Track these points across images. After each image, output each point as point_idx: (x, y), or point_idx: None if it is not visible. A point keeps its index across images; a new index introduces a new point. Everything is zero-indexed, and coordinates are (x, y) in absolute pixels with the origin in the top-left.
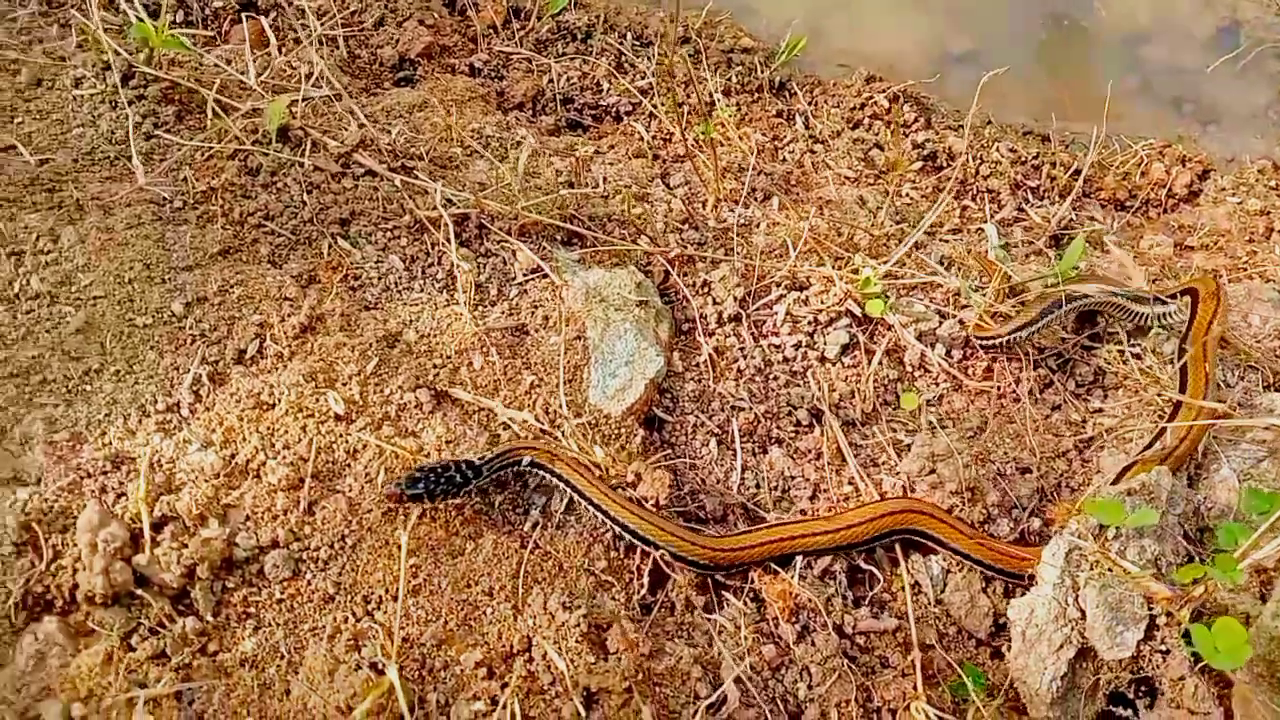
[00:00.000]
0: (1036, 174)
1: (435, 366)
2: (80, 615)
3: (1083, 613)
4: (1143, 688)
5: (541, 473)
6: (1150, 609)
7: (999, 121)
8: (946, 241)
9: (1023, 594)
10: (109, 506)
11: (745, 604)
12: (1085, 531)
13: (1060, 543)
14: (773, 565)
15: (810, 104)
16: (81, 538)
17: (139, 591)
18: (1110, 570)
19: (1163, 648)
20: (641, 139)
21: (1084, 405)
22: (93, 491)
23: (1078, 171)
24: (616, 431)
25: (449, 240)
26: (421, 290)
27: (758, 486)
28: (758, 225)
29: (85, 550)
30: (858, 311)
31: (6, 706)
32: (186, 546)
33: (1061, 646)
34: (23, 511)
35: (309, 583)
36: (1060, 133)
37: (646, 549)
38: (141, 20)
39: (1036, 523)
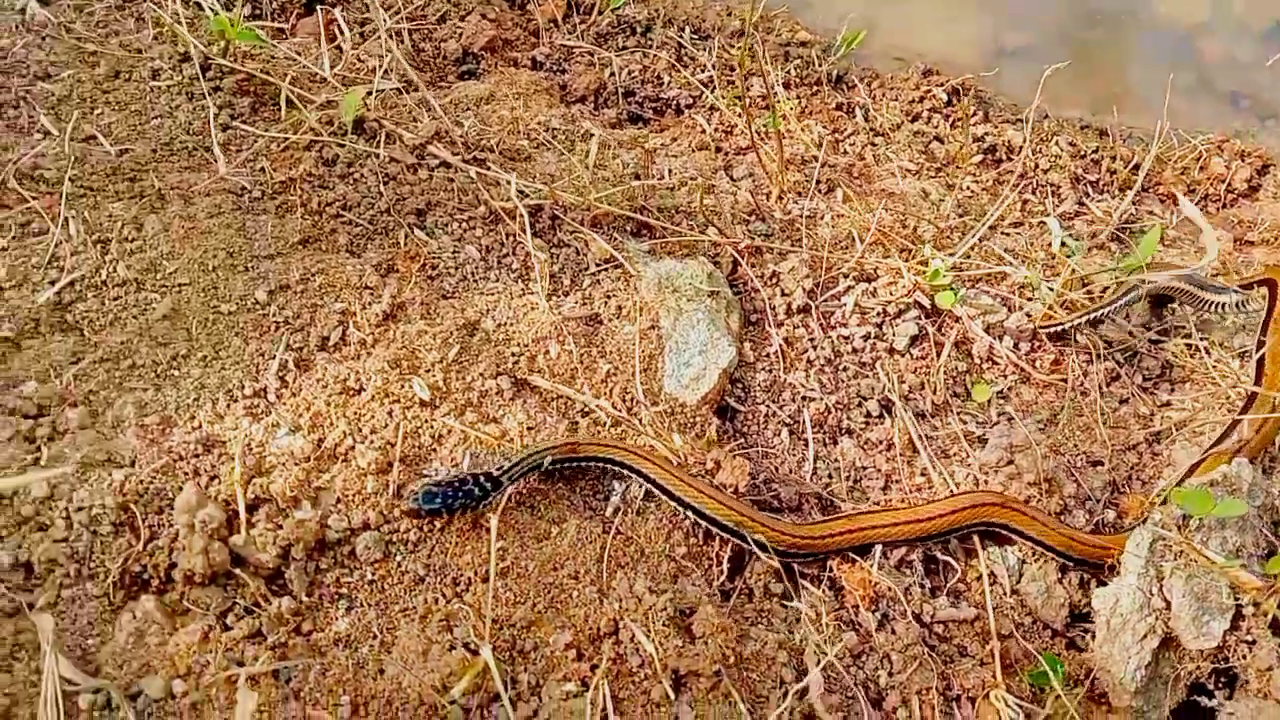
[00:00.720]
0: (1096, 168)
1: (513, 354)
2: (176, 595)
3: (1168, 603)
4: (1222, 678)
5: (571, 464)
6: (1237, 599)
7: (1055, 116)
8: (1008, 235)
9: (1102, 585)
10: (204, 488)
11: (824, 592)
12: (1169, 522)
13: (1144, 533)
14: (850, 554)
15: (869, 97)
16: (179, 518)
17: (235, 571)
18: (1195, 560)
19: (1249, 638)
20: (704, 132)
21: (1152, 399)
22: (186, 474)
23: (1137, 166)
24: (692, 420)
25: (524, 230)
26: (497, 280)
27: (830, 476)
28: (822, 217)
29: (183, 531)
30: (926, 303)
31: (110, 681)
32: (281, 528)
33: (1146, 636)
34: (120, 492)
35: (399, 564)
36: (1117, 127)
37: (717, 531)
38: (217, 13)
39: (1110, 514)
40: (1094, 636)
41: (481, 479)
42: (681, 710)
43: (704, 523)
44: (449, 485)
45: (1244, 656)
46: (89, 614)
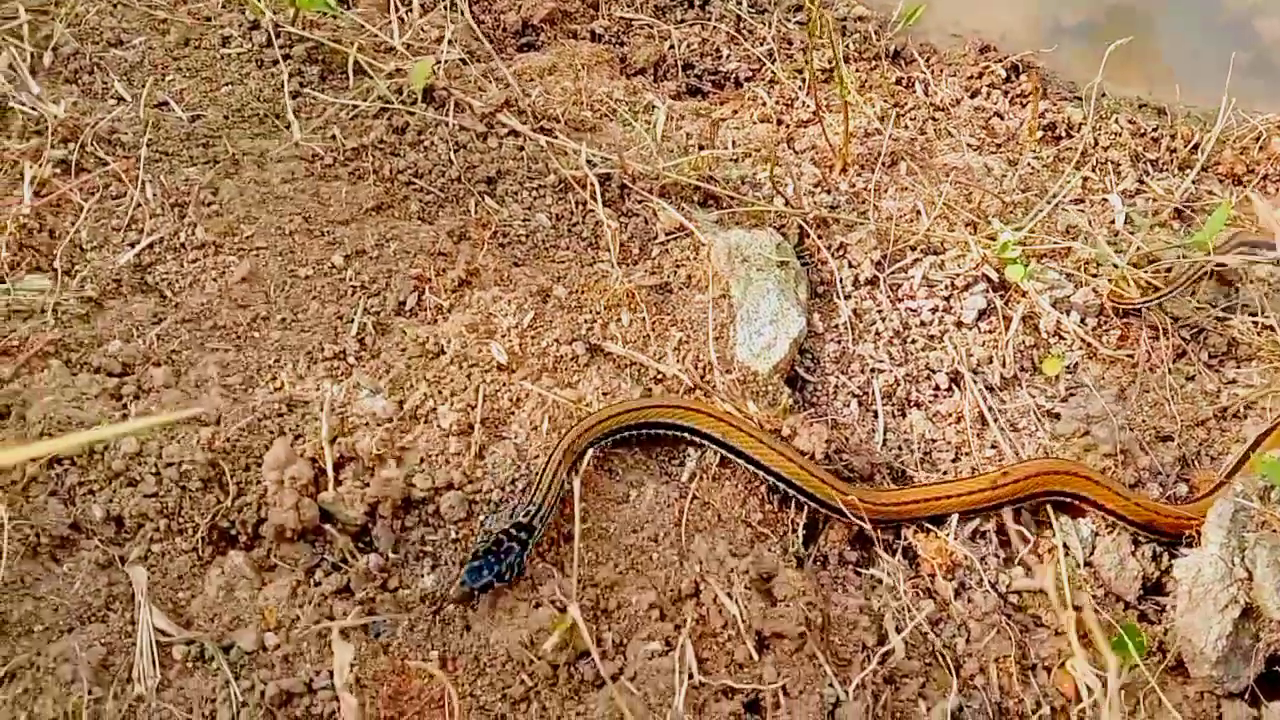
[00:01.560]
0: (1156, 146)
1: (586, 321)
2: (264, 550)
3: (1250, 573)
4: None
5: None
6: None
7: (1113, 94)
8: (1068, 212)
9: (1174, 556)
10: (291, 446)
11: (899, 560)
12: (1252, 493)
13: (1226, 504)
14: (926, 523)
15: (928, 72)
16: (269, 475)
17: (324, 527)
18: (1278, 531)
19: None
20: (764, 105)
21: (1219, 375)
22: (271, 432)
23: (1196, 145)
24: (764, 389)
25: (594, 199)
26: (568, 248)
27: (900, 448)
28: (887, 190)
29: (273, 487)
30: (993, 276)
31: (203, 633)
32: (368, 486)
33: (1227, 606)
34: (208, 448)
35: (483, 524)
36: (1176, 106)
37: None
38: None
39: (1183, 488)
40: (1173, 607)
41: (515, 531)
42: (766, 671)
43: (785, 487)
44: (489, 554)
45: None
46: (179, 568)
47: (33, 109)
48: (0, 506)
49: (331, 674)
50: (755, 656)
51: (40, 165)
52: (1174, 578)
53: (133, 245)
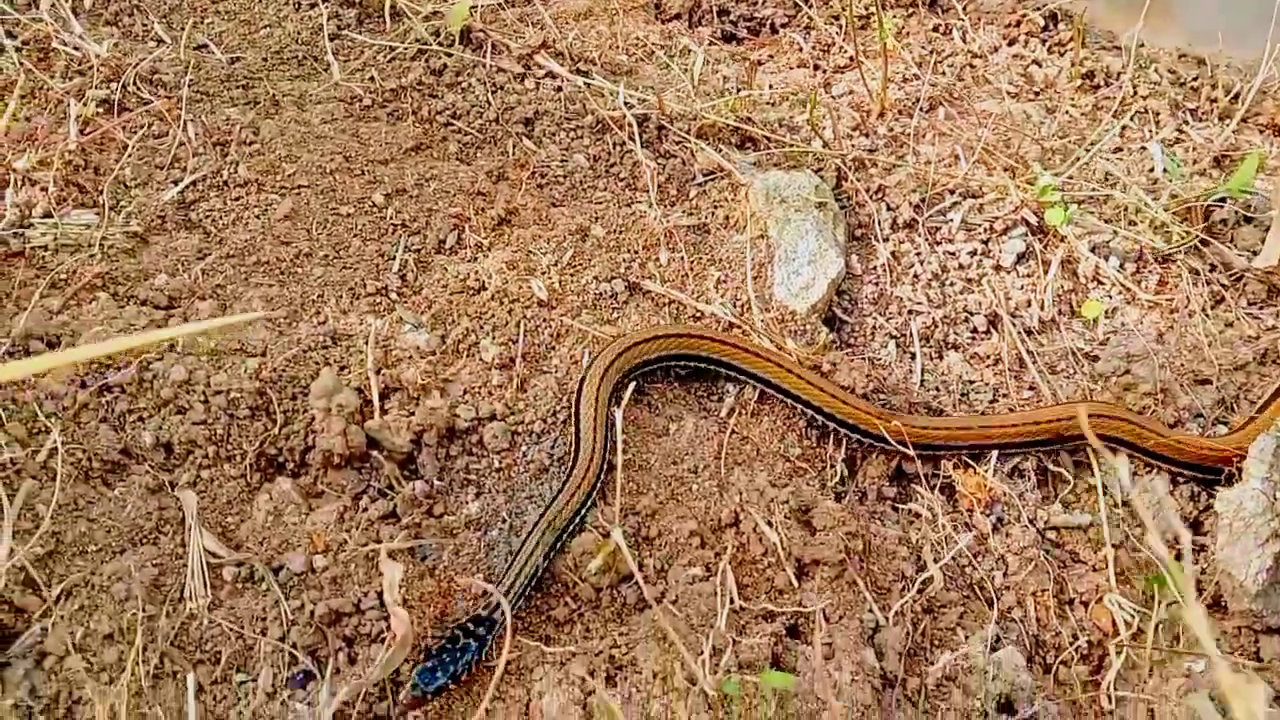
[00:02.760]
0: (1195, 96)
1: (625, 260)
2: (311, 477)
3: None
4: None
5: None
6: None
7: (1152, 44)
8: (1108, 160)
9: (1212, 496)
10: (338, 375)
11: (937, 495)
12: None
13: (1269, 439)
14: (965, 458)
15: (965, 19)
16: (316, 402)
17: (371, 454)
18: None
19: None
20: (800, 50)
21: (1258, 323)
22: (316, 363)
23: (1237, 95)
24: (802, 328)
25: (632, 139)
26: (605, 188)
27: (938, 389)
28: (925, 135)
29: (320, 414)
30: (1033, 221)
31: (251, 555)
32: (413, 415)
33: (1268, 540)
34: (255, 377)
35: (524, 454)
36: (1216, 57)
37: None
38: None
39: (1221, 430)
40: (1212, 542)
41: (471, 626)
42: (806, 597)
43: (826, 420)
44: (444, 653)
45: None
46: (227, 493)
47: (75, 49)
48: (54, 431)
49: (378, 595)
50: (795, 583)
51: (84, 104)
52: (1215, 512)
53: (176, 183)
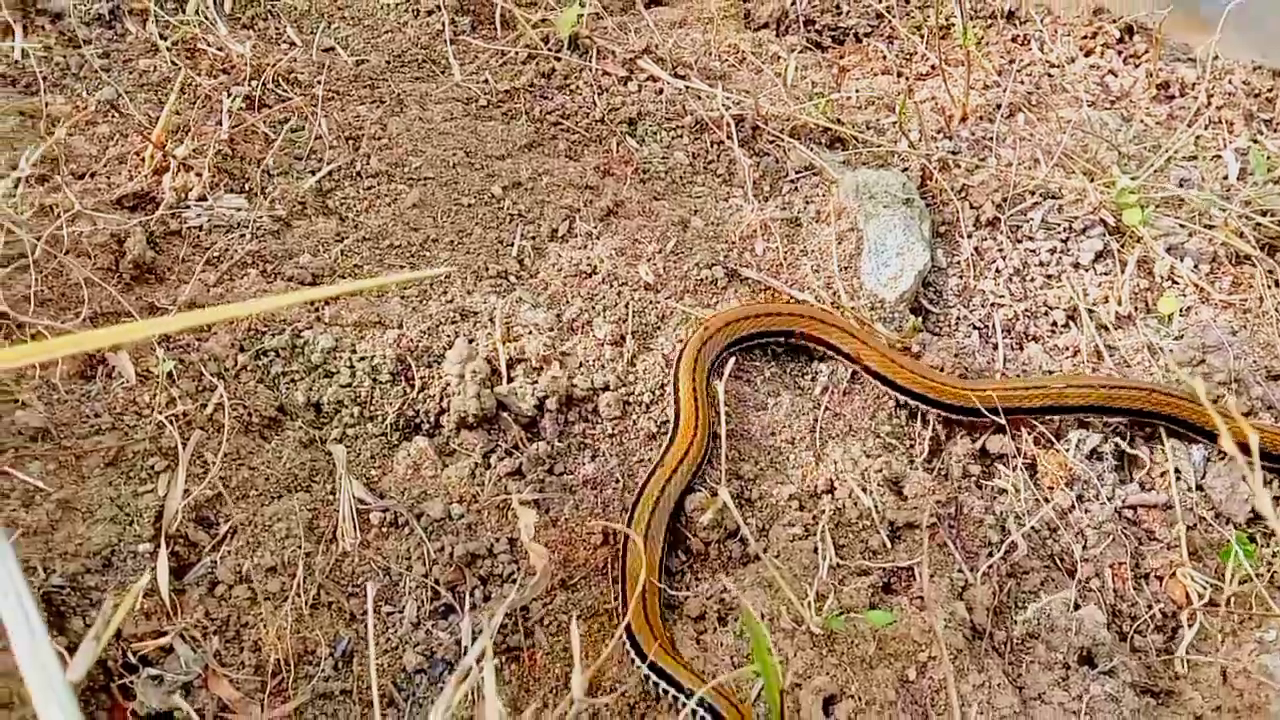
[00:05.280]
0: (1270, 107)
1: (723, 249)
2: (444, 438)
3: None
4: None
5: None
6: None
7: (1227, 57)
8: (1183, 168)
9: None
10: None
11: (1019, 473)
12: None
13: None
14: (1048, 437)
15: (1044, 30)
16: (452, 368)
17: (500, 416)
18: None
19: None
20: (884, 58)
21: None
22: (449, 335)
23: None
24: (891, 315)
25: (730, 138)
26: (704, 184)
27: (1019, 376)
28: (1005, 139)
29: (455, 380)
30: (1110, 221)
31: (396, 502)
32: (536, 383)
33: None
34: (395, 346)
35: (635, 421)
36: None
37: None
38: None
39: None
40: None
41: None
42: (899, 557)
43: (915, 401)
44: None
45: None
46: (371, 449)
47: (220, 49)
48: (219, 388)
49: (510, 540)
50: (889, 544)
51: (231, 99)
52: None
53: (314, 172)
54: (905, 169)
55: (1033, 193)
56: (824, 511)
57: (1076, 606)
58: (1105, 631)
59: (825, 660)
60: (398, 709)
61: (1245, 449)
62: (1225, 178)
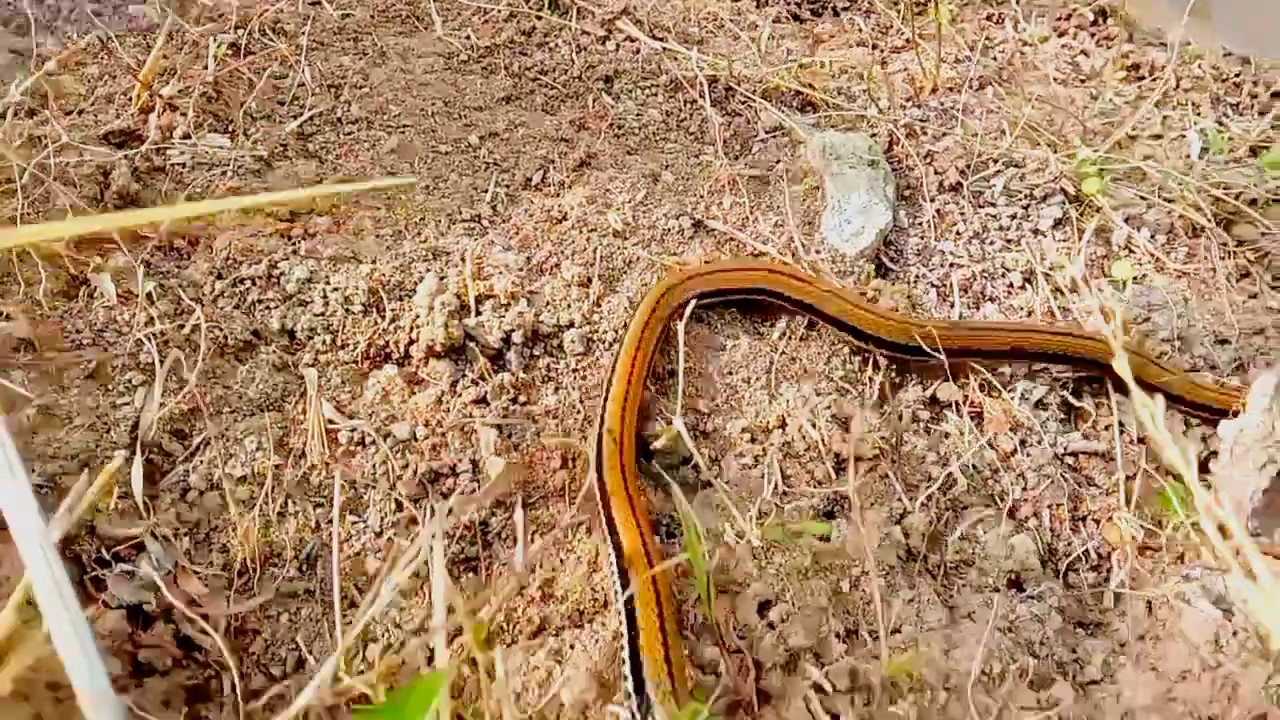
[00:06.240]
0: (1237, 91)
1: (691, 202)
2: (413, 368)
3: None
4: None
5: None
6: None
7: (1198, 43)
8: (1148, 145)
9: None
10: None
11: (965, 419)
12: None
13: (1272, 375)
14: (995, 385)
15: (1018, 9)
16: (422, 300)
17: (467, 346)
18: None
19: None
20: (861, 30)
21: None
22: (420, 272)
23: (1276, 93)
24: (851, 269)
25: (702, 97)
26: (676, 140)
27: None
28: (973, 111)
29: (425, 311)
30: (1070, 190)
31: (365, 421)
32: (504, 317)
33: (1265, 465)
34: (367, 279)
35: (598, 358)
36: (1260, 59)
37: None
38: None
39: (1235, 381)
40: (1218, 460)
41: None
42: (843, 487)
43: (860, 341)
44: None
45: None
46: (341, 375)
47: (209, 1)
48: (197, 311)
49: (472, 463)
50: (833, 475)
51: (218, 45)
52: (1218, 435)
53: (296, 117)
54: (873, 134)
55: (996, 160)
56: (773, 444)
57: (1010, 538)
58: (1035, 559)
59: (764, 571)
60: (357, 609)
61: (1181, 402)
62: (1187, 156)
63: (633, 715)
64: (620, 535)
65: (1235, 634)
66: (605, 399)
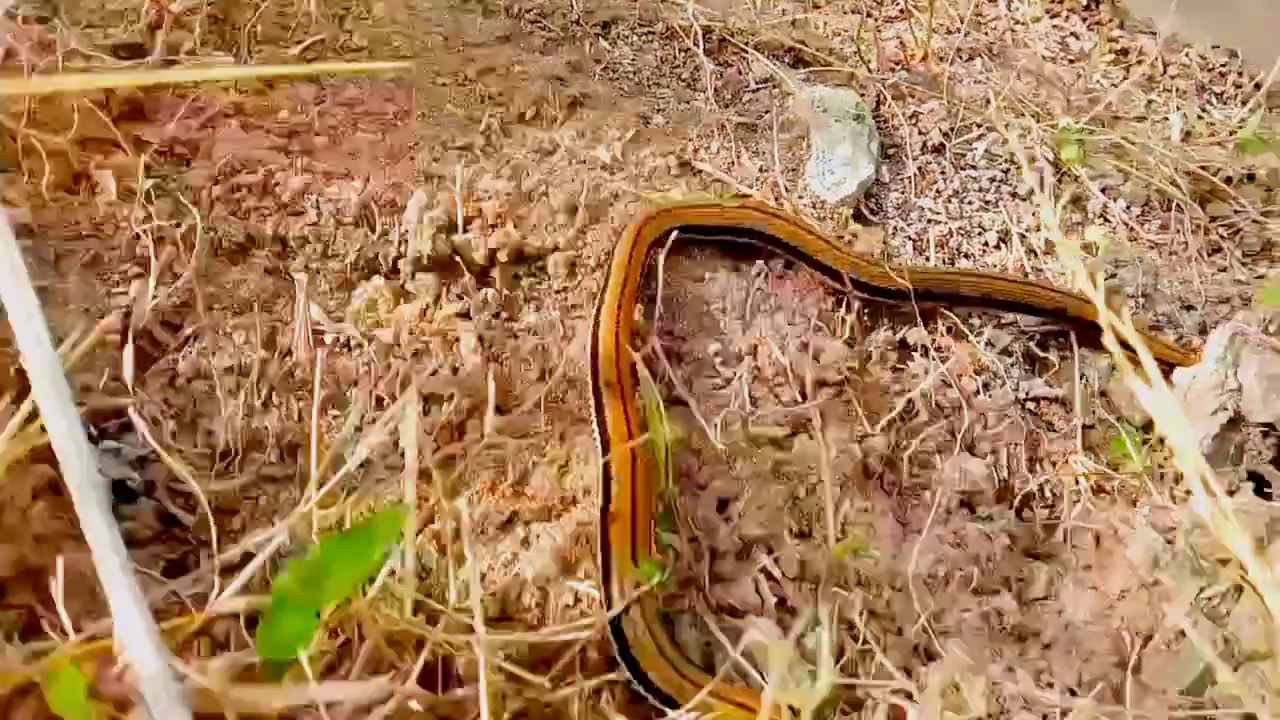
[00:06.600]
0: (1222, 80)
1: (680, 145)
2: (400, 281)
3: (1240, 386)
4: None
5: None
6: None
7: (1188, 34)
8: (1131, 126)
9: None
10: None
11: (932, 361)
12: (1252, 319)
13: (1227, 328)
14: (961, 329)
15: None
16: (411, 214)
17: (454, 260)
18: (1269, 350)
19: None
20: None
21: (1250, 271)
22: (411, 190)
23: (1259, 85)
24: (831, 215)
25: (696, 45)
26: (669, 87)
27: None
28: (961, 80)
29: (414, 225)
30: (1050, 158)
31: (350, 324)
32: (490, 236)
33: (1216, 412)
34: (360, 194)
35: (579, 281)
36: (1249, 53)
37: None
38: None
39: (1196, 341)
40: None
41: None
42: (810, 414)
43: (834, 280)
44: None
45: None
46: (330, 283)
47: None
48: (193, 213)
49: (453, 368)
50: (799, 399)
51: None
52: (1172, 382)
53: (299, 43)
54: (862, 93)
55: (979, 125)
56: (744, 369)
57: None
58: (988, 485)
59: (726, 474)
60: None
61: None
62: (1168, 137)
63: (597, 569)
64: (606, 410)
65: (1174, 557)
66: (601, 297)
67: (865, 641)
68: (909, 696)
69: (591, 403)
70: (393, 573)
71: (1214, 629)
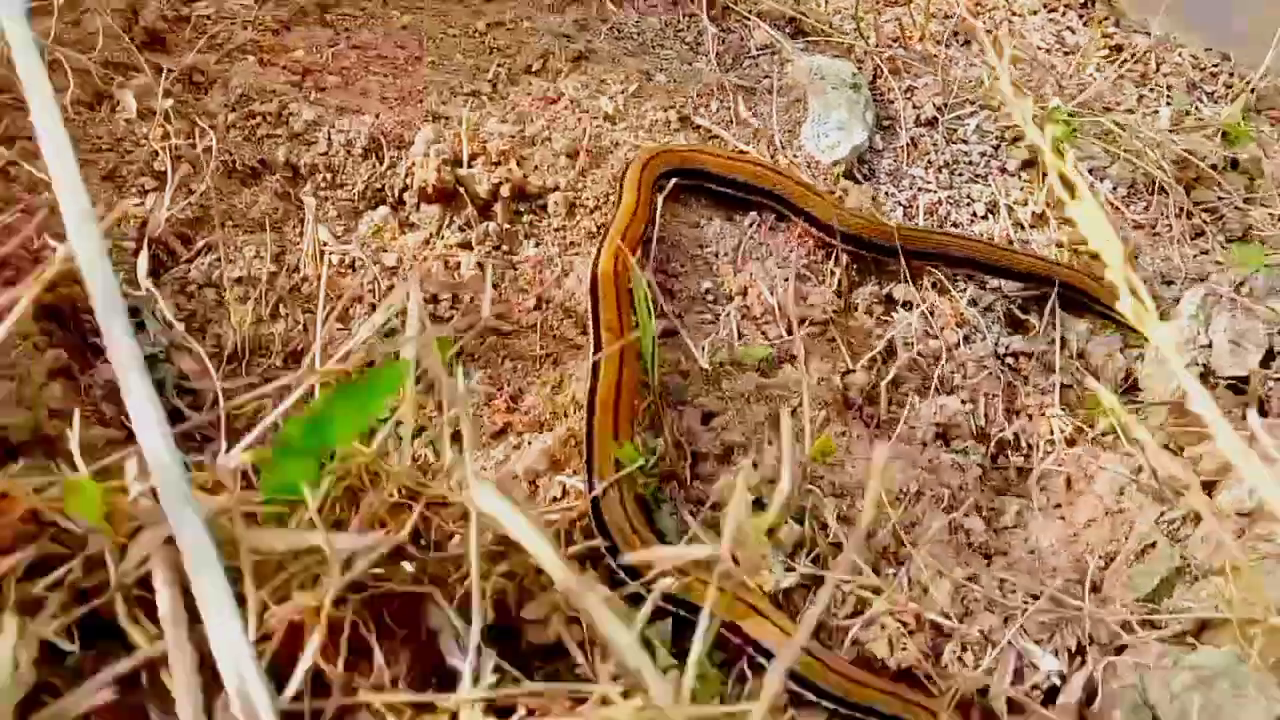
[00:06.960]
0: (1213, 80)
1: (680, 101)
2: (405, 213)
3: (1210, 343)
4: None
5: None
6: (1270, 340)
7: (1182, 36)
8: (1120, 119)
9: None
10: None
11: (916, 314)
12: (1223, 280)
13: (1199, 288)
14: (945, 285)
15: None
16: (418, 147)
17: (458, 192)
18: (1239, 309)
19: (1277, 375)
20: None
21: (1229, 255)
22: (419, 129)
23: (1254, 91)
24: (825, 176)
25: (700, 9)
26: (672, 48)
27: None
28: (957, 62)
29: (420, 158)
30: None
31: (355, 246)
32: (494, 172)
33: (1187, 366)
34: (370, 128)
35: (578, 220)
36: (1241, 55)
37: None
38: None
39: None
40: (1145, 375)
41: None
42: (795, 346)
43: (824, 233)
44: None
45: (1270, 389)
46: (338, 210)
47: None
48: (210, 135)
49: (454, 296)
50: (785, 335)
51: None
52: (1150, 339)
53: None
54: (859, 65)
55: (972, 102)
56: (733, 306)
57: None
58: (964, 419)
59: (711, 393)
60: None
61: (1119, 321)
62: (1157, 130)
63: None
64: (600, 308)
65: (1139, 488)
66: (613, 212)
67: (836, 540)
68: (876, 592)
69: (588, 301)
70: (399, 423)
71: (1173, 548)
